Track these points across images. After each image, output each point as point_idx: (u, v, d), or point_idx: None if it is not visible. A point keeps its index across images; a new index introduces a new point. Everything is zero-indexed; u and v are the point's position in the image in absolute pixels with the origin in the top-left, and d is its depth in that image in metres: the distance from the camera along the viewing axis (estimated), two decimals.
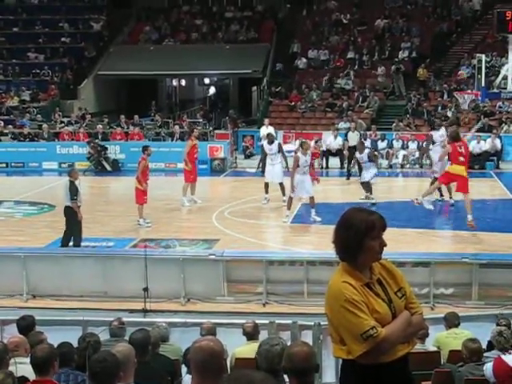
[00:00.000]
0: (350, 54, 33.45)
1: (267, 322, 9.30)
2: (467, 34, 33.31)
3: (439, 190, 18.33)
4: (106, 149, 26.29)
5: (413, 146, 26.34)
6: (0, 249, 13.88)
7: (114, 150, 26.50)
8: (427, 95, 30.84)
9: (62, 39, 35.83)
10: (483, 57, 29.07)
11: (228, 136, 27.49)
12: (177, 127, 27.77)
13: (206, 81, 38.56)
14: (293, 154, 24.89)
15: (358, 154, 19.18)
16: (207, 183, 23.14)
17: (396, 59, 32.36)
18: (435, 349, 8.19)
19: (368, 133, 26.56)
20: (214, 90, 39.71)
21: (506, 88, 29.29)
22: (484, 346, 7.35)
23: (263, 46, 34.73)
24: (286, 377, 4.20)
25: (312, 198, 17.08)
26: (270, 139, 19.71)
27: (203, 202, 19.58)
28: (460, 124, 17.17)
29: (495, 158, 25.53)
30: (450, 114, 28.57)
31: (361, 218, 3.85)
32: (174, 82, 38.90)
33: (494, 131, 26.10)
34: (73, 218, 14.40)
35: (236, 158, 27.39)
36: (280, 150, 19.49)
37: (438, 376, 6.89)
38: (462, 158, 15.85)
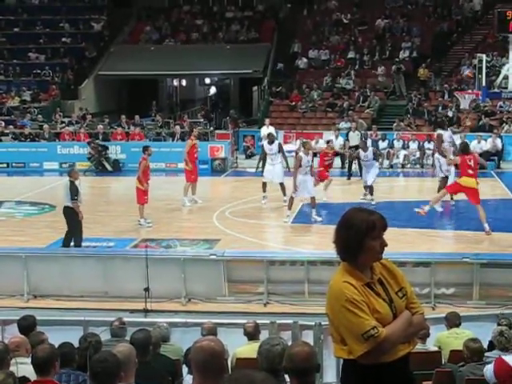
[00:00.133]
0: (351, 54, 33.45)
1: (268, 321, 9.30)
2: (468, 34, 33.32)
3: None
4: (107, 148, 26.30)
5: (413, 145, 26.35)
6: (1, 249, 13.89)
7: (115, 150, 26.51)
8: (428, 95, 30.84)
9: (63, 39, 35.84)
10: (484, 57, 29.05)
11: (229, 136, 27.50)
12: (177, 127, 27.77)
13: (207, 81, 38.57)
14: (293, 154, 25.06)
15: (362, 153, 19.16)
16: (208, 183, 23.14)
17: (397, 59, 32.35)
18: (436, 349, 8.19)
19: (369, 133, 26.57)
20: (214, 89, 39.72)
21: (506, 88, 29.28)
22: (485, 346, 7.35)
23: (264, 45, 34.72)
24: (286, 377, 4.20)
25: (313, 198, 17.10)
26: (271, 139, 19.71)
27: (204, 202, 19.58)
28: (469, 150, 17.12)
29: (496, 157, 25.54)
30: (450, 113, 28.60)
31: (361, 217, 3.85)
32: (175, 82, 38.89)
33: (495, 131, 26.11)
34: (73, 218, 14.39)
35: (237, 158, 27.41)
36: (280, 150, 19.49)
37: (438, 376, 6.89)
38: (470, 171, 15.77)
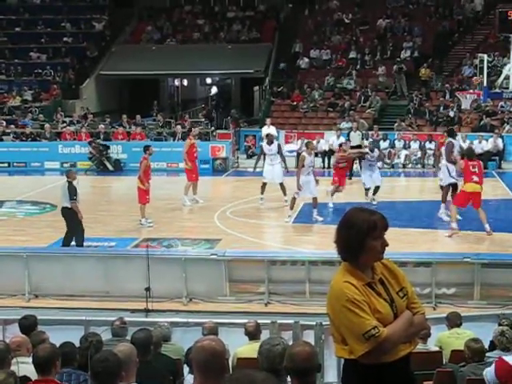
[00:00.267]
0: (352, 54, 33.44)
1: (269, 321, 9.30)
2: (469, 34, 33.32)
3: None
4: (108, 148, 26.31)
5: (415, 145, 26.34)
6: (2, 248, 13.89)
7: (116, 150, 26.52)
8: (429, 95, 30.84)
9: (64, 39, 35.86)
10: (485, 57, 29.05)
11: (230, 136, 27.52)
12: (179, 127, 27.77)
13: (208, 81, 38.57)
14: (294, 153, 25.08)
15: (369, 153, 19.24)
16: (209, 183, 23.15)
17: (398, 59, 32.34)
18: (437, 349, 8.19)
19: (370, 132, 26.61)
20: (215, 89, 39.72)
21: (507, 88, 29.26)
22: (486, 346, 7.34)
23: (265, 45, 34.73)
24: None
25: (315, 199, 17.12)
26: (270, 139, 19.75)
27: (205, 202, 19.59)
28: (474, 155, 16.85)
29: (497, 157, 25.53)
30: (451, 113, 28.60)
31: (363, 217, 3.85)
32: (176, 82, 38.90)
33: (496, 131, 26.11)
34: (72, 219, 14.40)
35: (238, 157, 27.43)
36: (279, 150, 19.54)
37: (439, 376, 6.89)
38: (475, 178, 15.40)
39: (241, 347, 7.87)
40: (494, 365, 6.25)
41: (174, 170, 24.58)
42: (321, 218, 16.94)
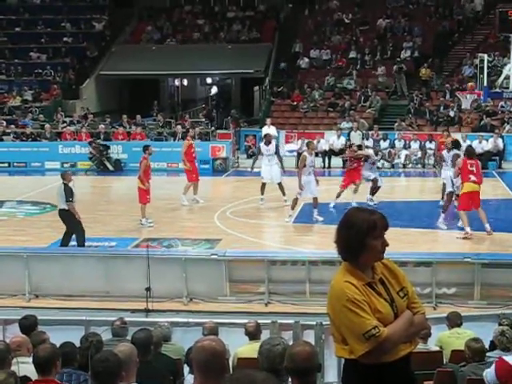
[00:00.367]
0: (352, 54, 33.44)
1: (269, 321, 9.31)
2: (469, 34, 33.32)
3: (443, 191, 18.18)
4: (109, 148, 26.32)
5: (415, 145, 26.33)
6: (3, 248, 13.89)
7: (116, 150, 26.53)
8: (429, 95, 30.83)
9: (64, 39, 35.87)
10: (485, 56, 29.04)
11: (230, 136, 27.53)
12: (179, 127, 27.78)
13: (208, 80, 38.56)
14: (295, 153, 25.09)
15: (374, 156, 19.28)
16: (209, 183, 23.14)
17: (398, 59, 32.34)
18: (437, 348, 8.19)
19: (370, 132, 26.61)
20: (216, 89, 39.72)
21: (508, 88, 29.25)
22: (486, 346, 7.34)
23: (265, 45, 34.73)
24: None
25: (315, 199, 17.13)
26: (268, 140, 19.79)
27: (205, 202, 19.59)
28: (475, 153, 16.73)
29: (497, 157, 25.53)
30: (452, 113, 28.60)
31: (363, 217, 3.85)
32: (176, 82, 38.89)
33: (497, 131, 26.11)
34: (70, 220, 14.41)
35: (238, 157, 27.43)
36: (277, 151, 19.61)
37: (440, 376, 6.89)
38: (473, 177, 15.28)
39: (241, 347, 7.87)
40: (494, 365, 6.25)
41: (174, 170, 24.57)
42: (321, 218, 16.94)
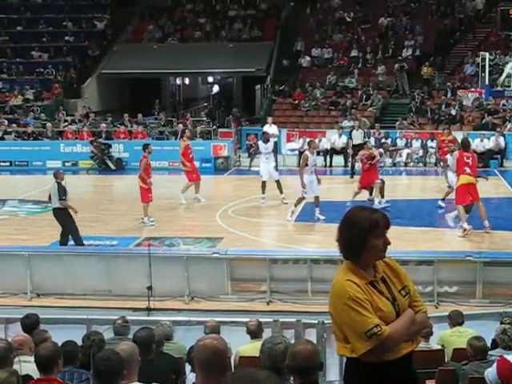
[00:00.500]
0: (354, 53, 33.42)
1: (271, 320, 9.31)
2: (471, 33, 33.28)
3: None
4: (110, 147, 26.33)
5: (416, 144, 26.33)
6: (4, 247, 13.92)
7: (118, 149, 26.55)
8: (431, 93, 30.81)
9: (66, 38, 35.85)
10: (487, 55, 29.03)
11: (232, 134, 27.53)
12: (180, 126, 27.73)
13: (210, 79, 38.55)
14: (296, 152, 25.09)
15: (378, 156, 19.28)
16: (211, 181, 23.16)
17: (399, 57, 32.31)
18: (439, 347, 8.19)
19: (372, 131, 26.60)
20: (217, 88, 39.71)
21: (509, 86, 29.26)
22: (488, 345, 7.34)
23: (267, 44, 34.71)
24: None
25: (317, 197, 17.13)
26: (266, 138, 19.83)
27: (207, 201, 19.59)
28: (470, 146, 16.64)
29: (499, 156, 25.51)
30: (453, 112, 28.59)
31: (364, 216, 3.85)
32: (178, 81, 38.89)
33: (498, 129, 26.09)
34: (65, 218, 14.45)
35: (240, 156, 27.43)
36: (275, 149, 19.72)
37: (442, 374, 6.89)
38: (468, 169, 15.25)
39: (243, 346, 7.87)
40: (495, 364, 6.25)
41: (175, 168, 24.53)
42: (323, 217, 16.94)
